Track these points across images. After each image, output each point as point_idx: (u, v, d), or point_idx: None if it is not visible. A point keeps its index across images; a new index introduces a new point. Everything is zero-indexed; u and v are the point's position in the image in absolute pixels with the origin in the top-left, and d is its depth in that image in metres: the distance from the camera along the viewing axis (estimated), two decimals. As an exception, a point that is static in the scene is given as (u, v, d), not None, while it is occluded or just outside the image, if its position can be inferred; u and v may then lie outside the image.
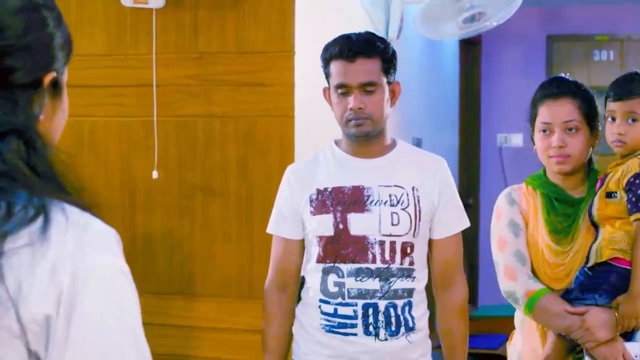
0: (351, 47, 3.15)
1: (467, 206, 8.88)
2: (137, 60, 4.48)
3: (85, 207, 1.37)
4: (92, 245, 1.33)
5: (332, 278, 3.18)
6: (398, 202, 3.17)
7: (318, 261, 3.20)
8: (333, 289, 3.18)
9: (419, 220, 3.18)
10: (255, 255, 4.29)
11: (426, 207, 3.20)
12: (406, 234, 3.16)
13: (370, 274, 3.14)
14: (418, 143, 6.50)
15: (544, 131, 3.21)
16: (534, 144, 3.31)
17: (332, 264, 3.17)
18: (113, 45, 4.54)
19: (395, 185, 3.20)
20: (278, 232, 3.33)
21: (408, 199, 3.18)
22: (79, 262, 1.29)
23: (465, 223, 3.34)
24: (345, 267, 3.15)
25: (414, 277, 3.20)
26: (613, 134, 3.13)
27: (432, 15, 5.18)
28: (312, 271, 3.24)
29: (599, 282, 3.06)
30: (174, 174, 4.44)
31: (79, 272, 1.28)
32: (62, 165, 1.37)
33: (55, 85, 1.41)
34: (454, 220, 3.29)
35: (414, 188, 3.20)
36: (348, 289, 3.15)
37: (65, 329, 1.26)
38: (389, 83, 3.21)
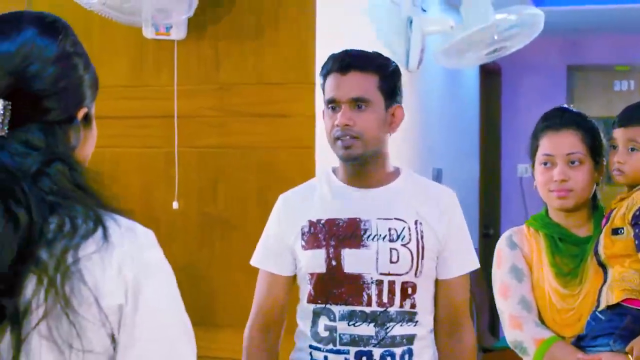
0: (344, 59, 2.88)
1: (487, 236, 8.86)
2: (159, 92, 4.51)
3: (124, 213, 1.65)
4: (143, 244, 1.64)
5: (323, 321, 2.84)
6: (398, 237, 2.83)
7: (309, 301, 2.88)
8: (324, 333, 2.84)
9: (422, 258, 2.84)
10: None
11: (431, 243, 2.86)
12: (407, 272, 2.82)
13: (365, 318, 2.79)
14: (438, 173, 6.49)
15: (545, 164, 3.04)
16: (534, 179, 3.12)
17: (323, 305, 2.84)
18: (135, 76, 4.57)
19: (395, 219, 2.85)
20: (263, 266, 3.03)
21: (410, 234, 2.83)
22: (137, 259, 1.60)
23: (474, 264, 3.00)
24: (337, 309, 2.81)
25: (417, 322, 2.85)
26: (614, 162, 2.99)
27: (456, 48, 5.20)
28: (303, 312, 2.93)
29: (613, 327, 2.84)
30: (194, 204, 4.45)
31: (139, 267, 1.59)
32: (96, 183, 1.64)
33: (86, 117, 1.69)
34: (462, 259, 2.96)
35: (417, 222, 2.86)
36: (340, 334, 2.80)
37: (133, 312, 1.57)
38: (388, 105, 2.88)
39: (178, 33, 4.33)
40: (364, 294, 2.80)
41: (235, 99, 4.40)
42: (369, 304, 2.79)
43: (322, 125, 4.27)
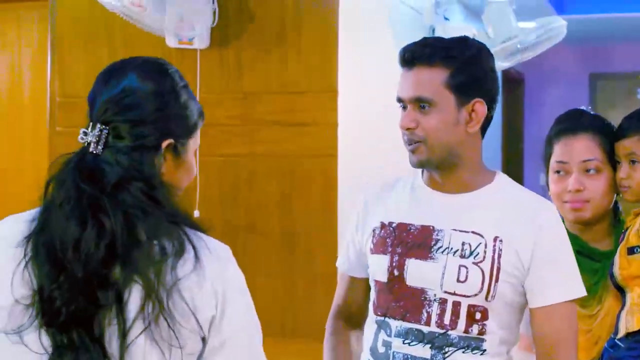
0: (409, 52, 2.48)
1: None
2: (182, 100, 4.52)
3: (203, 229, 1.92)
4: (226, 260, 1.92)
5: (382, 336, 2.51)
6: (471, 253, 2.43)
7: (373, 311, 2.56)
8: (381, 349, 2.52)
9: (496, 281, 2.41)
10: (297, 294, 4.29)
11: (510, 265, 2.42)
12: (475, 295, 2.41)
13: (421, 337, 2.44)
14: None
15: (558, 172, 2.74)
16: (548, 188, 2.84)
17: (382, 318, 2.51)
18: (158, 85, 4.58)
19: (472, 232, 2.44)
20: (340, 266, 2.74)
21: (485, 252, 2.42)
22: (223, 275, 1.88)
23: (576, 292, 2.46)
24: (394, 324, 2.48)
25: (484, 351, 2.43)
26: (619, 179, 2.70)
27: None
28: (369, 321, 2.60)
29: (633, 356, 2.54)
30: (217, 212, 4.46)
31: (224, 282, 1.87)
32: (178, 202, 1.93)
33: (175, 148, 1.93)
34: (555, 285, 2.44)
35: (496, 239, 2.43)
36: (394, 352, 2.48)
37: (220, 320, 1.85)
38: (462, 101, 2.45)
39: (201, 42, 4.34)
40: (424, 311, 2.45)
41: (258, 107, 4.41)
42: (427, 324, 2.44)
43: (345, 133, 4.30)
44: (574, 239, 2.63)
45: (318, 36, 4.31)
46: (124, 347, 1.75)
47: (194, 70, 4.45)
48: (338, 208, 4.20)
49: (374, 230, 2.57)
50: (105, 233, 1.77)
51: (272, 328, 4.36)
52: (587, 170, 2.70)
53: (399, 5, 5.05)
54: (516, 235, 2.42)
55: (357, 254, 2.64)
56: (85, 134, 1.88)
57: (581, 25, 7.53)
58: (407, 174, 2.62)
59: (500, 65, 5.53)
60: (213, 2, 4.34)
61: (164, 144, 1.91)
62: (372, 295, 2.57)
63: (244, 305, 1.94)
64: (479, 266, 2.41)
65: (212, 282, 1.84)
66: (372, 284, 2.57)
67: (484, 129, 2.55)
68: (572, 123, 2.76)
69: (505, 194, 2.51)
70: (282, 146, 4.36)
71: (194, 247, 1.84)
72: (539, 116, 9.05)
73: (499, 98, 2.55)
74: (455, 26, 5.77)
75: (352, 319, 2.73)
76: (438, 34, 5.31)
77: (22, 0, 5.48)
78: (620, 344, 2.58)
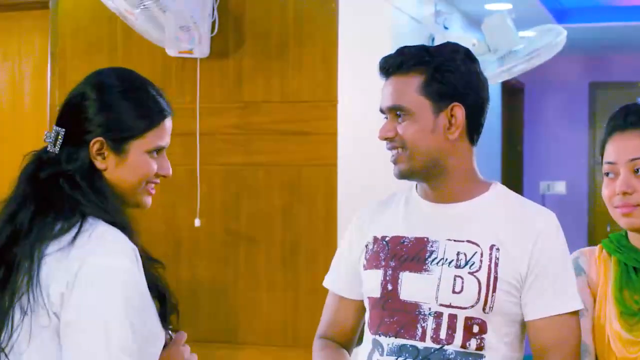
0: (385, 62, 2.43)
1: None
2: (182, 109, 4.52)
3: (117, 224, 2.04)
4: (102, 250, 1.98)
5: (375, 356, 2.38)
6: (467, 263, 2.33)
7: (368, 330, 2.44)
8: None
9: (493, 291, 2.30)
10: (300, 303, 4.29)
11: (508, 274, 2.32)
12: (472, 306, 2.30)
13: (416, 354, 2.31)
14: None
15: (608, 174, 2.43)
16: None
17: (374, 336, 2.40)
18: (158, 94, 4.59)
19: (468, 241, 2.35)
20: (330, 286, 2.61)
21: (481, 261, 2.32)
22: (88, 260, 1.96)
23: (572, 304, 2.35)
24: (386, 342, 2.36)
25: None
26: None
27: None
28: (364, 344, 2.47)
29: None
30: (218, 222, 4.46)
31: (86, 267, 1.96)
32: (108, 195, 2.08)
33: (115, 146, 2.09)
34: (553, 297, 2.33)
35: (493, 247, 2.33)
36: None
37: (68, 299, 1.95)
38: (440, 107, 2.36)
39: (201, 51, 4.35)
40: (419, 326, 2.32)
41: (258, 117, 4.41)
42: (422, 339, 2.31)
43: (346, 143, 4.30)
44: (633, 252, 2.41)
45: (318, 46, 4.32)
46: (2, 309, 2.00)
47: (194, 79, 4.46)
48: (338, 217, 4.20)
49: (366, 246, 2.48)
50: (15, 220, 2.04)
51: (275, 338, 4.36)
52: (637, 171, 2.38)
53: (399, 15, 5.07)
54: (513, 244, 2.33)
55: (348, 273, 2.54)
56: (47, 136, 2.13)
57: (581, 35, 7.54)
58: (406, 186, 2.55)
59: (500, 76, 5.54)
60: (213, 12, 4.35)
61: (93, 141, 2.08)
62: (367, 314, 2.45)
63: (95, 295, 1.96)
64: (475, 276, 2.31)
65: (72, 261, 1.97)
66: (366, 303, 2.46)
67: (473, 135, 2.45)
68: (622, 119, 2.44)
69: (501, 203, 2.43)
70: (282, 156, 4.36)
71: (78, 231, 2.00)
72: (538, 125, 9.06)
73: (488, 104, 2.48)
74: (455, 35, 5.79)
75: (339, 344, 2.58)
76: (438, 43, 5.32)
77: (24, 10, 5.48)
78: None
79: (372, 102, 4.28)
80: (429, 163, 2.38)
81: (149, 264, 2.12)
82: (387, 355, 2.34)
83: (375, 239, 2.46)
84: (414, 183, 2.50)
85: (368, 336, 2.42)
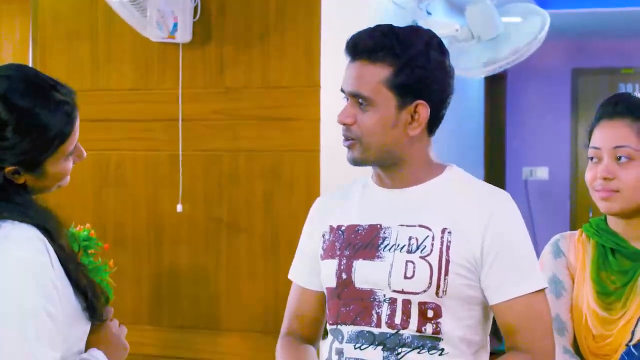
0: (354, 41, 2.31)
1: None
2: (164, 95, 4.51)
3: (40, 227, 2.01)
4: (2, 245, 1.96)
5: (335, 344, 2.37)
6: (417, 247, 2.28)
7: (328, 320, 2.42)
8: (334, 358, 2.36)
9: (445, 274, 2.25)
10: (280, 289, 4.28)
11: (460, 257, 2.26)
12: (424, 291, 2.26)
13: (372, 339, 2.29)
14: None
15: (591, 159, 2.51)
16: None
17: (335, 326, 2.36)
18: (140, 80, 4.57)
19: (419, 225, 2.30)
20: (293, 277, 2.58)
21: (432, 245, 2.27)
22: None
23: (534, 283, 2.29)
24: (345, 330, 2.33)
25: (442, 351, 2.27)
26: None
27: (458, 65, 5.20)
28: (328, 334, 2.45)
29: None
30: (200, 208, 4.46)
31: None
32: (28, 204, 2.05)
33: (30, 170, 2.05)
34: (514, 278, 2.27)
35: (444, 230, 2.28)
36: (346, 358, 2.32)
37: None
38: (404, 102, 2.28)
39: (183, 36, 4.33)
40: (374, 312, 2.29)
41: (240, 102, 4.40)
42: (378, 325, 2.28)
43: (328, 129, 4.29)
44: (611, 236, 2.52)
45: (300, 31, 4.31)
46: None
47: (176, 64, 4.45)
48: (321, 203, 4.20)
49: (323, 236, 2.44)
50: None
51: (256, 324, 4.37)
52: (619, 158, 2.45)
53: (381, 0, 5.06)
54: (466, 225, 2.27)
55: (308, 264, 2.49)
56: None
57: (564, 20, 7.54)
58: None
59: (486, 72, 5.53)
60: (195, -3, 4.35)
61: (6, 170, 2.04)
62: (326, 305, 2.43)
63: (4, 286, 1.94)
64: (426, 260, 2.26)
65: None
66: (325, 292, 2.43)
67: (432, 128, 2.38)
68: (610, 107, 2.51)
69: (454, 185, 2.36)
70: (265, 142, 4.36)
71: None
72: (521, 111, 9.06)
73: (452, 95, 2.38)
74: (438, 21, 5.78)
75: (305, 337, 2.53)
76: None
77: (3, -5, 5.46)
78: (634, 351, 2.40)
79: (355, 88, 4.28)
80: (384, 155, 2.32)
81: (73, 264, 2.09)
82: (346, 342, 2.32)
83: (332, 229, 2.42)
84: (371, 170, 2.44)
85: (328, 327, 2.40)
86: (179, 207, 4.42)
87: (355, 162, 2.33)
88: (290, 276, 2.58)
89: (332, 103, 4.28)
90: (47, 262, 1.99)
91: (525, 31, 5.19)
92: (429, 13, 5.74)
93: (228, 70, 4.42)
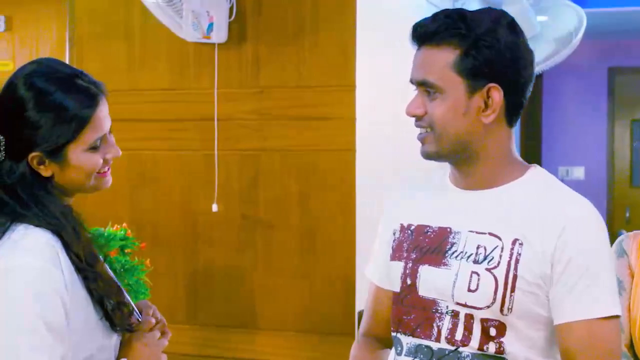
0: (419, 27, 2.13)
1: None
2: (199, 95, 4.52)
3: (55, 231, 2.01)
4: (12, 257, 1.96)
5: (394, 356, 2.23)
6: (485, 258, 2.07)
7: (391, 325, 2.25)
8: None
9: (512, 290, 2.03)
10: (315, 289, 4.29)
11: (529, 273, 2.04)
12: (487, 307, 2.05)
13: (430, 355, 2.12)
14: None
15: None
16: None
17: (395, 333, 2.21)
18: (176, 79, 4.59)
19: (489, 233, 2.09)
20: (370, 275, 2.39)
21: (501, 257, 2.05)
22: None
23: (602, 309, 2.01)
24: (405, 341, 2.17)
25: None
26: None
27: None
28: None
29: None
30: (236, 207, 4.47)
31: None
32: (48, 204, 2.05)
33: (52, 156, 2.07)
34: (578, 297, 2.02)
35: (515, 241, 2.06)
36: None
37: None
38: (475, 86, 2.08)
39: (219, 36, 4.34)
40: (434, 325, 2.11)
41: (275, 102, 4.41)
42: (437, 340, 2.10)
43: (363, 128, 4.29)
44: None
45: (336, 31, 4.31)
46: None
47: (212, 64, 4.46)
48: (356, 203, 4.20)
49: (394, 233, 2.25)
50: None
51: (290, 323, 4.37)
52: None
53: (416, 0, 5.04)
54: (538, 237, 2.04)
55: (383, 261, 2.29)
56: None
57: (600, 19, 7.49)
58: (437, 168, 2.29)
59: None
60: (231, -3, 4.36)
61: (30, 156, 2.07)
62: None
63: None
64: (492, 273, 2.05)
65: None
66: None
67: (511, 117, 2.17)
68: None
69: (533, 190, 2.13)
70: (300, 141, 4.36)
71: (2, 235, 2.02)
72: (557, 110, 9.01)
73: (532, 82, 2.15)
74: (474, 20, 5.75)
75: (382, 338, 2.36)
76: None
77: (41, -4, 5.49)
78: None
79: (391, 87, 4.26)
80: (458, 147, 2.12)
81: (90, 272, 2.07)
82: (405, 355, 2.16)
83: (402, 227, 2.24)
84: (447, 164, 2.24)
85: (391, 332, 2.24)
86: (215, 207, 4.43)
87: (429, 155, 2.15)
88: (367, 274, 2.40)
89: (367, 102, 4.28)
90: (52, 270, 1.97)
91: (561, 31, 5.16)
92: (464, 12, 5.71)
93: (263, 70, 4.43)
